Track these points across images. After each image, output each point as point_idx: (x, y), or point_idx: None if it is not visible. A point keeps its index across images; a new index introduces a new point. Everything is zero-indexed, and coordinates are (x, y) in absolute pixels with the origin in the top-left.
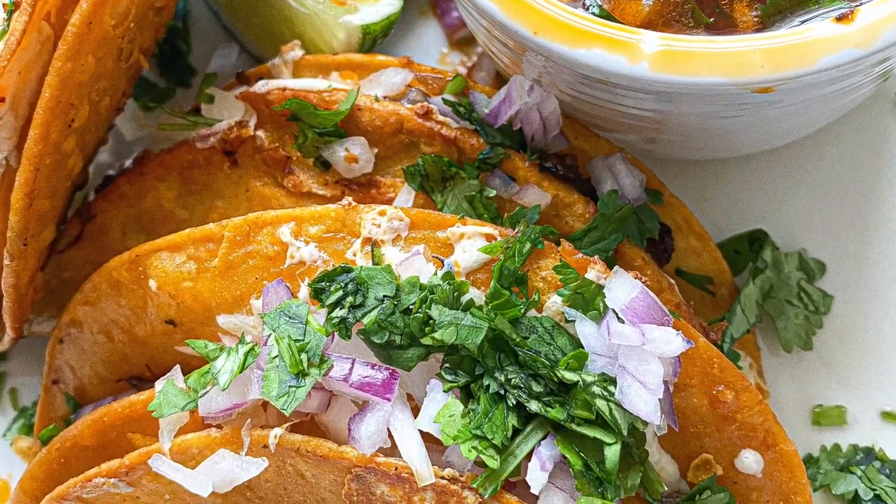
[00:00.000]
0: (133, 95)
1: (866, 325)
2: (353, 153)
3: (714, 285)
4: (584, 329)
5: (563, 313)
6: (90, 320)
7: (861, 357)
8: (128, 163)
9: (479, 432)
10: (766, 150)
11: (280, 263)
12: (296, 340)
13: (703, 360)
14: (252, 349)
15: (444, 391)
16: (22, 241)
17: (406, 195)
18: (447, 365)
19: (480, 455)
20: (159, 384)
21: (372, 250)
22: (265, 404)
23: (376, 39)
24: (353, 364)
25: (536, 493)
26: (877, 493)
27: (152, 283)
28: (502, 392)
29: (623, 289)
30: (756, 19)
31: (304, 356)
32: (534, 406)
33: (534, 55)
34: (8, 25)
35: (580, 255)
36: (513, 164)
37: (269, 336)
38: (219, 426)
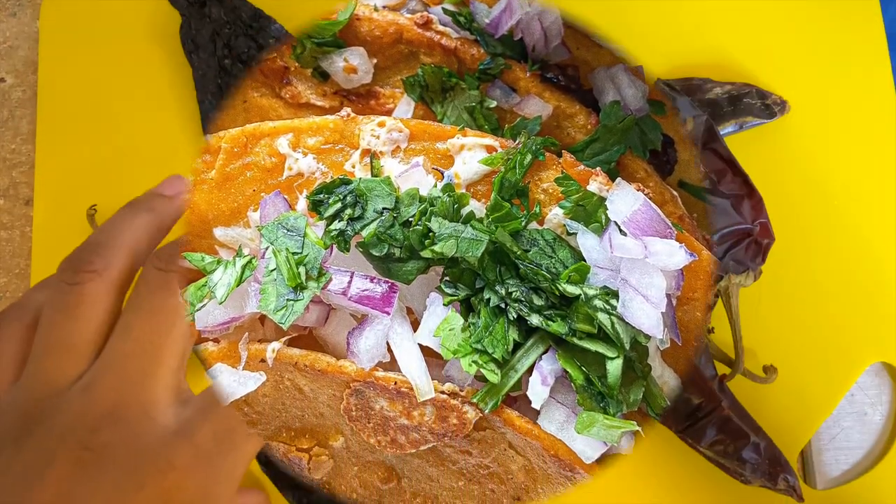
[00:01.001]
0: None
1: None
2: (352, 63)
3: None
4: (586, 242)
5: (564, 226)
6: None
7: None
8: None
9: (479, 346)
10: None
11: (278, 175)
12: (294, 253)
13: (706, 274)
14: (249, 262)
15: (444, 305)
16: None
17: (405, 106)
18: (447, 278)
19: (481, 369)
20: None
21: (371, 162)
22: (263, 318)
23: None
24: (351, 277)
25: (537, 408)
26: None
27: None
28: (503, 306)
29: (625, 201)
30: None
31: (302, 269)
32: (535, 320)
33: None
34: None
35: (582, 166)
36: (514, 74)
37: (266, 249)
38: (216, 340)
